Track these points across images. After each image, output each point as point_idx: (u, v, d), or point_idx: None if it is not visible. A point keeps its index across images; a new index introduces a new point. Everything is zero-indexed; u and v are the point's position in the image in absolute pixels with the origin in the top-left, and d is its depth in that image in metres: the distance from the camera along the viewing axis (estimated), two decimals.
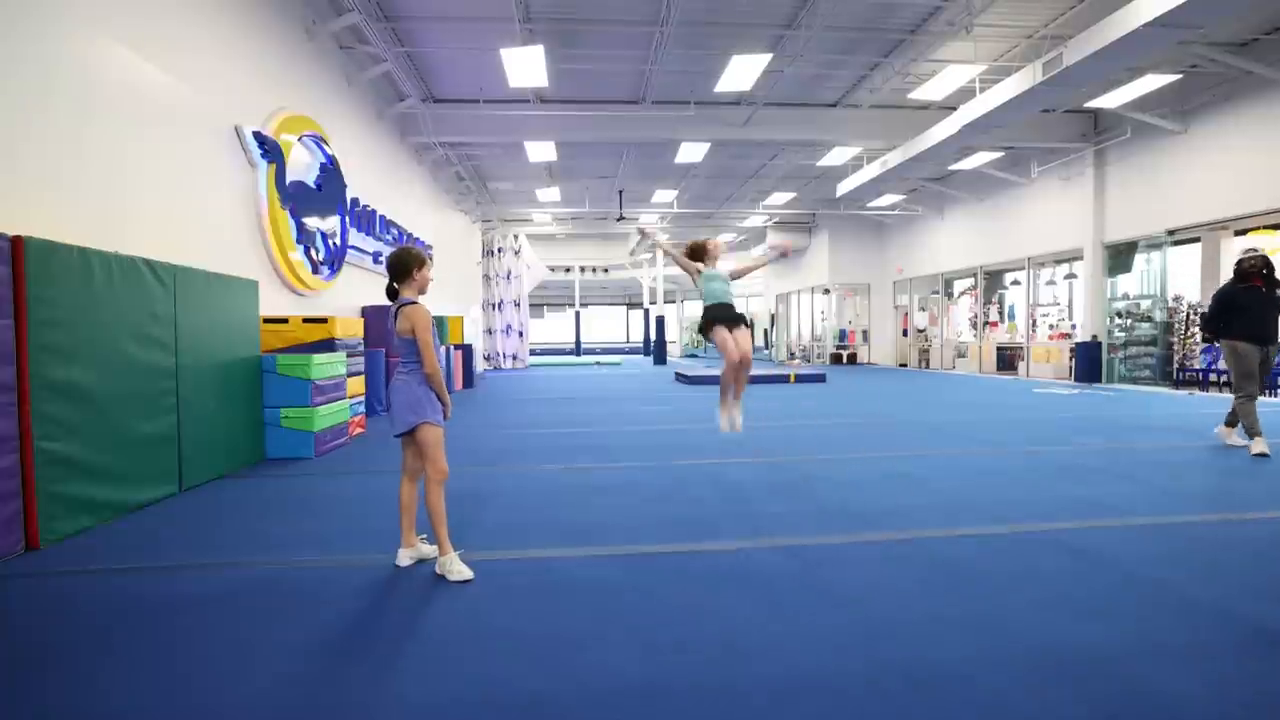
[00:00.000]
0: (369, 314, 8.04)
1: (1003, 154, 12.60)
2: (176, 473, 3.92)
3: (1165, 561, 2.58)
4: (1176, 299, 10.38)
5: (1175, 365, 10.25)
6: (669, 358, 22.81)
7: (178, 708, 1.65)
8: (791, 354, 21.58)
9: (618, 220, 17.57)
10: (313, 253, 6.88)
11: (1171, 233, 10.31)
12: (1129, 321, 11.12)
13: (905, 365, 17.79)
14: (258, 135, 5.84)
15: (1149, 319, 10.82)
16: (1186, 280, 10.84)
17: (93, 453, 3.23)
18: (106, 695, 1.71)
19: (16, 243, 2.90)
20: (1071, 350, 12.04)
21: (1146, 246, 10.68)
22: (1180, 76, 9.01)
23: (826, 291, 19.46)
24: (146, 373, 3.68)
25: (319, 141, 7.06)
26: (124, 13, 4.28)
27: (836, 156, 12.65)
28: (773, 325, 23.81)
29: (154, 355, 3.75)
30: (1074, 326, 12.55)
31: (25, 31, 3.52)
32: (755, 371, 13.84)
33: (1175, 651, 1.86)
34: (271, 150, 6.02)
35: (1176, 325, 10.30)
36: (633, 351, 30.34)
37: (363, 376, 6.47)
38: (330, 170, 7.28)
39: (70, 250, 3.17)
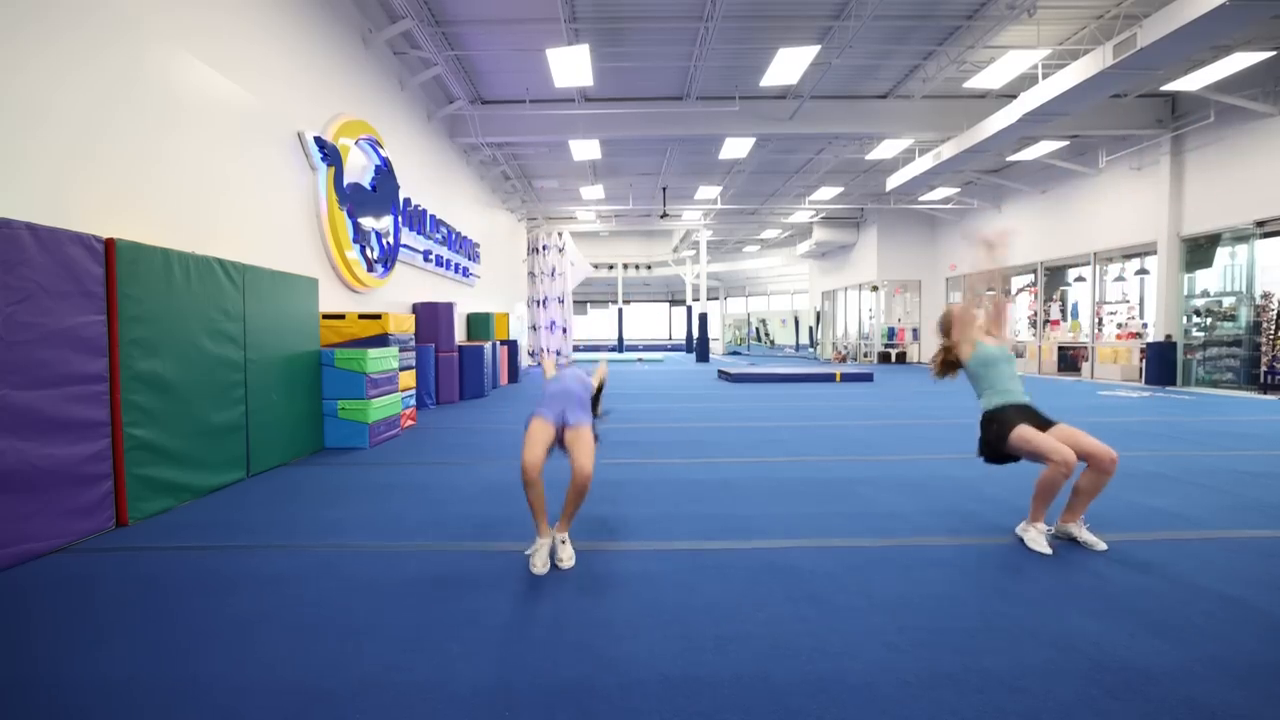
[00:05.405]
0: (419, 310, 8.33)
1: (1067, 143, 11.92)
2: (245, 460, 4.18)
3: (1237, 578, 2.41)
4: (1265, 296, 9.59)
5: (1263, 368, 9.48)
6: (711, 355, 22.66)
7: (249, 678, 1.78)
8: (838, 352, 21.09)
9: (661, 218, 17.55)
10: (368, 251, 7.18)
11: (1261, 224, 9.54)
12: (1209, 320, 10.35)
13: None
14: (318, 140, 6.13)
15: (1232, 317, 10.05)
16: (1278, 275, 9.99)
17: (173, 439, 3.48)
18: (191, 663, 1.85)
19: (109, 244, 3.15)
20: (1142, 351, 11.32)
21: (1231, 239, 9.92)
22: (1273, 54, 8.31)
23: (875, 288, 18.91)
24: (219, 365, 3.94)
25: (374, 144, 7.35)
26: (199, 31, 4.58)
27: (886, 149, 12.26)
28: (818, 323, 23.32)
29: (225, 349, 4.01)
30: (1145, 325, 11.79)
31: (119, 52, 3.81)
32: (802, 370, 13.38)
33: (1239, 670, 1.75)
34: (330, 154, 6.31)
35: (1265, 325, 9.52)
36: (675, 348, 30.26)
37: (413, 371, 6.72)
38: (384, 172, 7.56)
39: (154, 251, 3.43)
